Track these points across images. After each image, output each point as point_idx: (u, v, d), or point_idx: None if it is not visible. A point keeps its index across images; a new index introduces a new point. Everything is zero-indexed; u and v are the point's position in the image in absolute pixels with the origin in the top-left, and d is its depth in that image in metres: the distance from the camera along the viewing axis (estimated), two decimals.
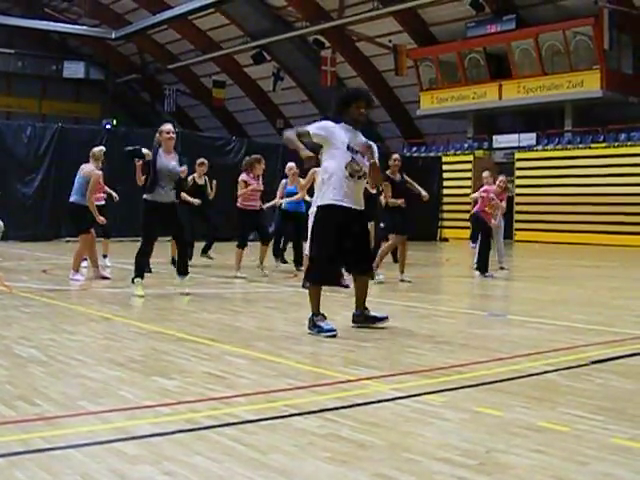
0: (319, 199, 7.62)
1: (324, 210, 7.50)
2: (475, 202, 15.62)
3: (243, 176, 13.59)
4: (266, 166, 14.17)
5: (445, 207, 34.48)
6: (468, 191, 15.94)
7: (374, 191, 12.82)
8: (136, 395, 4.76)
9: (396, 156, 13.31)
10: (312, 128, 7.50)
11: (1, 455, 3.56)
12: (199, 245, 15.44)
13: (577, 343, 7.01)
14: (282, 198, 14.68)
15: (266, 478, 3.35)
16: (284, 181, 14.78)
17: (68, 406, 4.48)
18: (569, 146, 33.82)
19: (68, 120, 43.04)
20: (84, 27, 49.17)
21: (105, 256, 14.19)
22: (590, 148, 32.85)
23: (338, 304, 9.69)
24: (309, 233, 11.64)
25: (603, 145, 32.60)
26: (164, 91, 51.64)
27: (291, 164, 14.76)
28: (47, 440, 3.81)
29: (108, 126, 37.50)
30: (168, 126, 10.46)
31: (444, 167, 35.38)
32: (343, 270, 7.88)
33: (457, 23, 37.47)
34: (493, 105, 37.01)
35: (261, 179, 13.80)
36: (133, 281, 10.19)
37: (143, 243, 10.36)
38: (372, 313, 7.75)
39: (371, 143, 7.69)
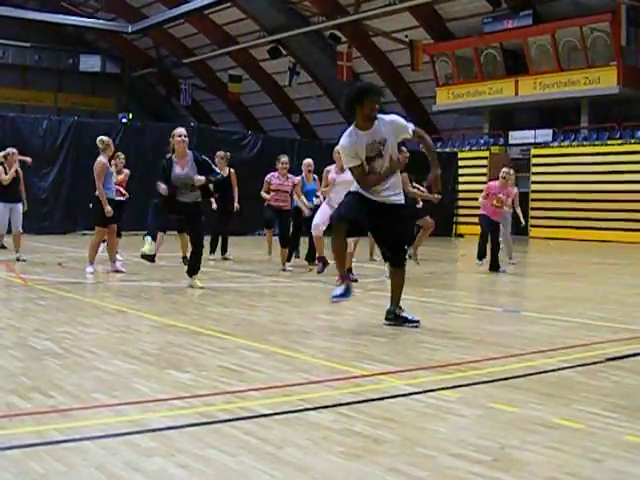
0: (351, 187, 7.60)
1: (351, 193, 7.44)
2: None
3: (268, 176, 13.72)
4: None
5: (460, 203, 34.43)
6: (484, 187, 15.84)
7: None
8: (151, 388, 4.77)
9: (403, 148, 13.35)
10: (347, 163, 7.46)
11: (16, 446, 3.58)
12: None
13: (592, 340, 6.99)
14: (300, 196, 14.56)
15: (280, 472, 3.35)
16: (299, 178, 14.52)
17: (83, 398, 4.49)
18: (585, 142, 33.73)
19: (84, 114, 43.21)
20: (100, 21, 49.28)
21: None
22: (607, 145, 32.74)
23: (354, 299, 9.69)
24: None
25: (619, 142, 32.47)
26: (180, 85, 51.70)
27: (308, 160, 14.65)
28: (62, 432, 3.83)
29: (124, 120, 37.54)
30: (180, 130, 10.42)
31: (460, 163, 35.30)
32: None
33: (474, 18, 37.35)
34: (509, 101, 36.93)
35: (288, 178, 13.86)
36: (143, 238, 10.30)
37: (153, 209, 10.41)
38: (404, 314, 7.62)
39: (393, 120, 7.36)
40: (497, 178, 15.01)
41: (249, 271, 13.30)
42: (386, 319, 7.70)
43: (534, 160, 34.88)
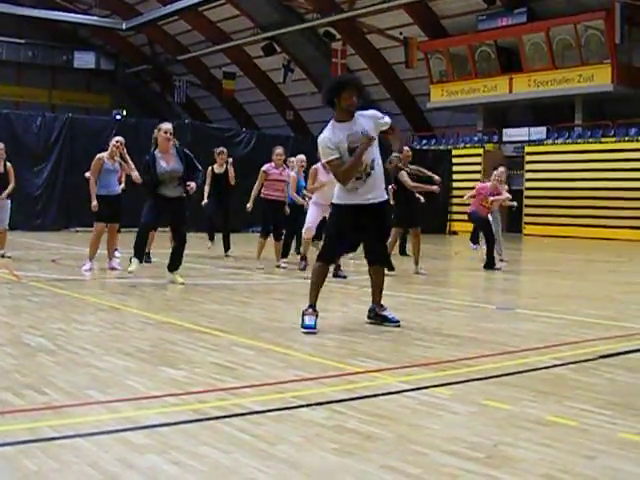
0: (334, 197, 7.46)
1: (336, 208, 7.38)
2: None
3: (265, 166, 13.63)
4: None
5: (454, 200, 34.43)
6: (475, 186, 15.98)
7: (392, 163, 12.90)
8: (144, 385, 4.77)
9: (406, 148, 13.46)
10: (327, 157, 7.10)
11: (10, 443, 3.58)
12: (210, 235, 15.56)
13: (585, 337, 7.00)
14: (295, 191, 14.53)
15: (273, 469, 3.35)
16: (293, 173, 14.56)
17: (76, 395, 4.49)
18: (579, 140, 33.74)
19: (78, 110, 43.07)
20: (95, 17, 49.14)
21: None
22: (600, 142, 32.77)
23: (348, 296, 9.72)
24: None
25: (613, 140, 32.51)
26: (174, 82, 51.68)
27: (301, 156, 14.69)
28: (55, 429, 3.83)
29: (118, 117, 37.40)
30: (167, 125, 10.28)
31: (454, 160, 35.34)
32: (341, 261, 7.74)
33: (468, 16, 37.37)
34: (503, 98, 36.94)
35: (284, 169, 13.83)
36: (130, 260, 10.21)
37: (141, 225, 10.30)
38: (384, 312, 7.48)
39: (373, 114, 7.29)
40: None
41: (243, 268, 13.29)
42: (368, 317, 7.59)
43: (528, 158, 34.90)
